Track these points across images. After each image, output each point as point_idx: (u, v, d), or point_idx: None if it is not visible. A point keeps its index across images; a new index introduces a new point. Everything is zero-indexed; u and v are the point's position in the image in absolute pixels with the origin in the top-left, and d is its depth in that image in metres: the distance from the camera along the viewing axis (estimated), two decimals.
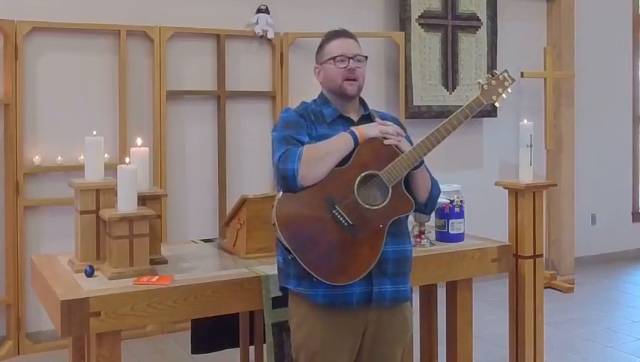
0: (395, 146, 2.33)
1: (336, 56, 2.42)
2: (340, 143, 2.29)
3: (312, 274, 2.22)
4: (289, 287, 2.37)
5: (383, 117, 2.53)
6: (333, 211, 2.24)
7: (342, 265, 2.23)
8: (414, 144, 2.37)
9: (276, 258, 2.46)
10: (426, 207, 2.47)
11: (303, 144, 2.30)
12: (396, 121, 2.54)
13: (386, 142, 2.32)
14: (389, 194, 2.28)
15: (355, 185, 2.26)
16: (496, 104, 2.49)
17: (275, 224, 2.24)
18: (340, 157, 2.28)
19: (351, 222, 2.24)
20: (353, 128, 2.34)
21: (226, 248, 3.10)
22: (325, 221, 2.23)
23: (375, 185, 2.29)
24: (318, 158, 2.25)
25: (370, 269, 2.25)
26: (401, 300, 2.39)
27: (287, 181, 2.25)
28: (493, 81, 2.46)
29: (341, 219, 2.24)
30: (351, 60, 2.41)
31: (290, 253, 2.25)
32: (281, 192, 2.29)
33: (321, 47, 2.49)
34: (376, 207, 2.26)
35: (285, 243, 2.24)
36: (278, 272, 2.45)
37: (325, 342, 2.31)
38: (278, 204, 2.26)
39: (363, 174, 2.28)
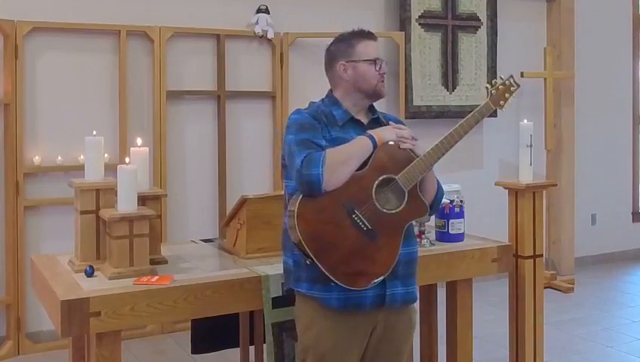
0: (411, 150, 2.34)
1: (375, 60, 2.43)
2: (360, 147, 2.30)
3: (331, 278, 2.21)
4: (301, 291, 2.36)
5: (389, 119, 2.54)
6: (353, 216, 2.24)
7: (361, 270, 2.24)
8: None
9: (283, 259, 2.45)
10: (431, 209, 2.47)
11: (322, 148, 2.28)
12: (399, 123, 2.54)
13: (402, 146, 2.34)
14: (406, 198, 2.29)
15: (373, 190, 2.27)
16: (503, 109, 2.50)
17: (295, 229, 2.21)
18: (360, 162, 2.28)
19: (370, 227, 2.24)
20: (371, 132, 2.34)
21: (226, 248, 3.09)
22: (345, 226, 2.23)
23: (392, 189, 2.29)
24: (340, 163, 2.24)
25: (387, 273, 2.26)
26: (410, 301, 2.41)
27: (311, 186, 2.22)
28: (500, 86, 2.47)
29: (360, 223, 2.24)
30: (383, 64, 2.44)
31: (308, 257, 2.23)
32: (301, 197, 2.24)
33: (349, 44, 2.45)
34: (394, 211, 2.27)
35: (306, 247, 2.21)
36: (286, 274, 2.44)
37: (336, 343, 2.31)
38: (298, 208, 2.22)
39: (380, 178, 2.28)
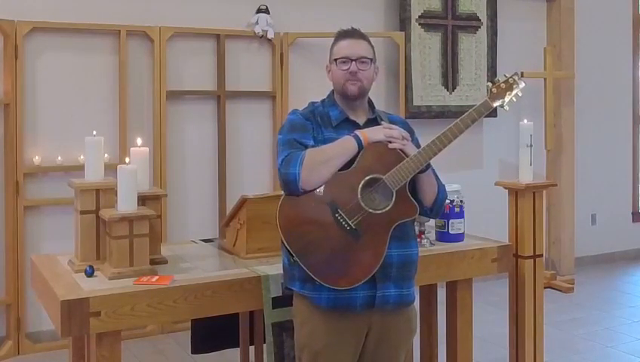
0: (400, 150, 2.30)
1: (339, 58, 2.41)
2: (343, 147, 2.28)
3: (314, 277, 2.22)
4: (294, 289, 2.36)
5: (392, 119, 2.51)
6: (336, 215, 2.23)
7: (344, 269, 2.23)
8: (421, 147, 2.35)
9: (281, 258, 2.45)
10: (431, 212, 2.45)
11: (307, 148, 2.28)
12: (405, 124, 2.52)
13: (390, 145, 2.30)
14: (393, 199, 2.26)
15: (359, 189, 2.25)
16: (506, 107, 2.42)
17: (277, 227, 2.23)
18: (343, 162, 2.27)
19: (353, 226, 2.23)
20: (357, 132, 2.32)
21: (226, 248, 3.09)
22: (328, 225, 2.23)
23: (379, 189, 2.27)
24: (320, 162, 2.24)
25: (372, 274, 2.25)
26: (404, 304, 2.38)
27: (288, 185, 2.24)
28: (502, 84, 2.40)
29: (343, 223, 2.23)
30: (354, 63, 2.38)
31: (292, 255, 2.24)
32: (284, 196, 2.27)
33: (331, 46, 2.47)
34: (380, 211, 2.25)
35: (287, 246, 2.24)
36: (284, 273, 2.45)
37: (328, 342, 2.31)
38: (280, 207, 2.25)
39: (367, 178, 2.26)
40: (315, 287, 2.26)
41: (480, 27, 5.87)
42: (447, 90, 5.72)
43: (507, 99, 2.41)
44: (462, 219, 3.26)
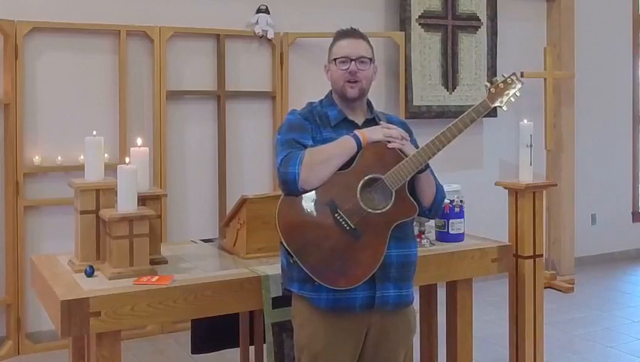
0: (399, 150, 2.31)
1: (338, 58, 2.40)
2: (342, 147, 2.28)
3: (313, 277, 2.22)
4: (293, 290, 2.36)
5: (390, 120, 2.51)
6: (335, 215, 2.23)
7: (343, 269, 2.22)
8: (419, 147, 2.35)
9: (280, 259, 2.45)
10: (429, 212, 2.45)
11: (306, 148, 2.28)
12: (403, 125, 2.52)
13: (389, 145, 2.30)
14: (393, 198, 2.26)
15: (358, 189, 2.25)
16: (504, 107, 2.42)
17: (276, 228, 2.23)
18: (342, 161, 2.26)
19: (353, 226, 2.23)
20: (356, 131, 2.32)
21: (226, 248, 3.10)
22: (327, 225, 2.22)
23: (378, 189, 2.27)
24: (320, 162, 2.24)
25: (372, 273, 2.25)
26: (404, 305, 2.38)
27: (288, 185, 2.24)
28: (500, 84, 2.40)
29: (343, 223, 2.22)
30: (353, 62, 2.38)
31: (291, 256, 2.24)
32: (283, 196, 2.27)
33: (330, 45, 2.47)
34: (379, 211, 2.25)
35: (286, 246, 2.24)
36: (282, 274, 2.44)
37: (327, 343, 2.31)
38: (279, 207, 2.25)
39: (366, 178, 2.26)
40: (314, 288, 2.26)
41: (480, 27, 5.87)
42: (447, 90, 5.72)
43: (505, 99, 2.42)
44: (462, 219, 3.26)
